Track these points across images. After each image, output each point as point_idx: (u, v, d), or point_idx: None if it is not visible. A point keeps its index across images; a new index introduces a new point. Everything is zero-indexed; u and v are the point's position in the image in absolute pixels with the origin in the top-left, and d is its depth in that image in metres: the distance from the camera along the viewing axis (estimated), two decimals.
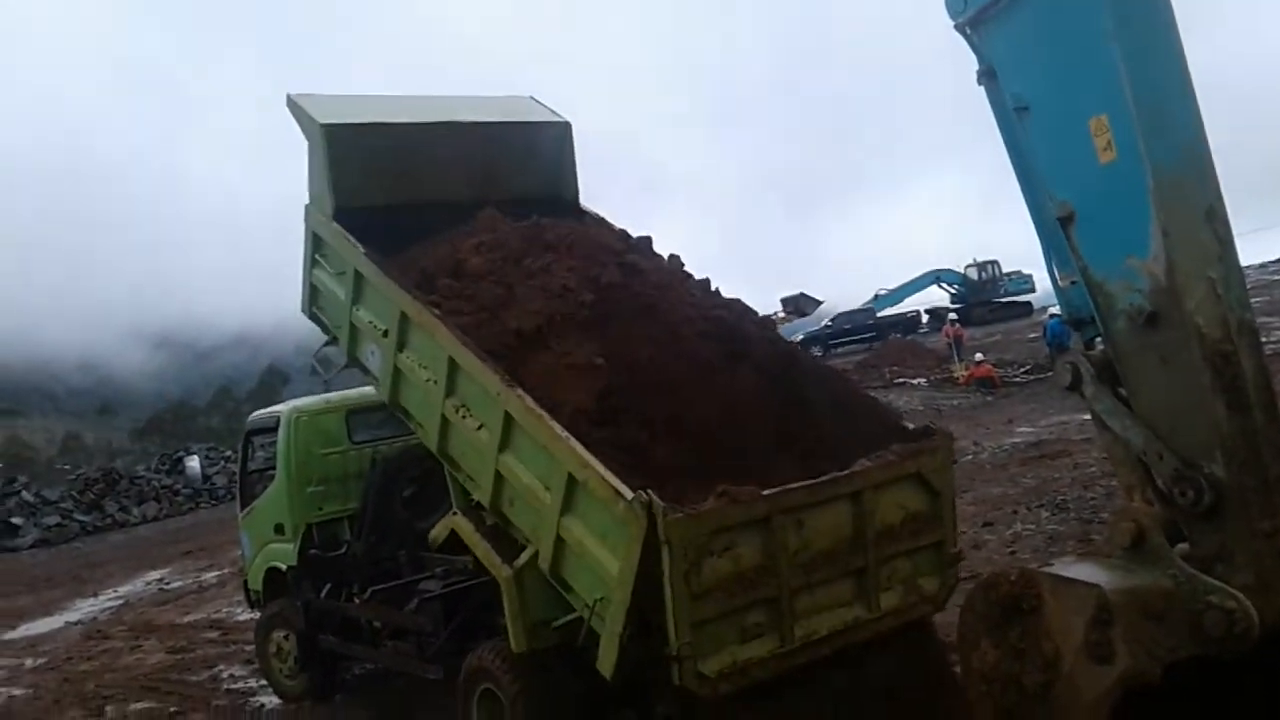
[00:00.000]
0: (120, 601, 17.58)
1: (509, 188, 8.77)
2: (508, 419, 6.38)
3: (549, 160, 9.13)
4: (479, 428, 6.72)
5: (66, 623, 16.24)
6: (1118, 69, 3.95)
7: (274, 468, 9.80)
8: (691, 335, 6.98)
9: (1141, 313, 3.98)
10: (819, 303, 43.62)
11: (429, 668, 7.82)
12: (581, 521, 6.01)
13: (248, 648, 11.25)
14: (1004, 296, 52.56)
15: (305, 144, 8.35)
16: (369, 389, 10.28)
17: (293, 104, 8.41)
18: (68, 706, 10.79)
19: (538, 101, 9.44)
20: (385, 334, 7.56)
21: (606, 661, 5.89)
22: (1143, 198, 3.95)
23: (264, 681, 10.13)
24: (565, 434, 5.98)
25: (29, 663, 13.48)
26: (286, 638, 9.56)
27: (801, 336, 41.52)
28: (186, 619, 14.91)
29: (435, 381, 7.05)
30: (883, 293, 51.66)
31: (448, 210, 8.21)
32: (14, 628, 16.47)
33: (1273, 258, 53.78)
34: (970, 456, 17.03)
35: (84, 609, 17.39)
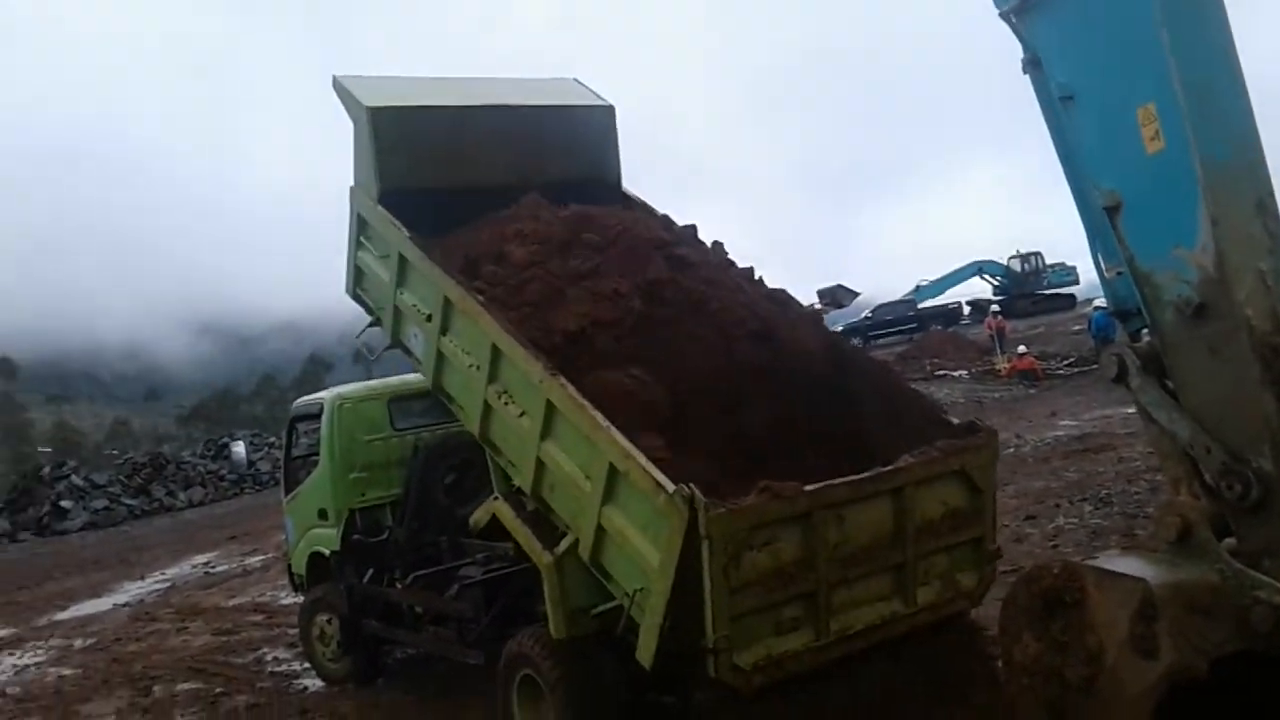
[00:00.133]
0: (167, 584, 17.88)
1: (552, 171, 8.76)
2: (549, 407, 6.41)
3: (592, 144, 9.11)
4: (521, 415, 6.76)
5: (114, 604, 16.55)
6: (1166, 57, 3.90)
7: (318, 454, 9.90)
8: (740, 335, 6.92)
9: (1189, 304, 3.94)
10: (856, 294, 43.26)
11: (470, 653, 7.90)
12: (622, 512, 6.03)
13: (291, 631, 11.43)
14: (1047, 288, 51.98)
15: (351, 128, 8.38)
16: (411, 376, 10.40)
17: (339, 86, 8.45)
18: (116, 686, 11.00)
19: (581, 84, 9.41)
20: (429, 318, 7.61)
21: (646, 651, 5.91)
22: (1191, 188, 3.90)
23: (307, 664, 10.28)
24: (607, 424, 5.99)
25: (78, 643, 13.76)
26: (330, 621, 9.70)
27: (840, 328, 41.27)
28: (231, 602, 15.15)
29: (478, 367, 7.10)
30: (924, 284, 51.23)
31: (491, 194, 8.22)
32: (64, 609, 16.81)
33: None
34: (1012, 449, 16.88)
35: (131, 591, 17.71)
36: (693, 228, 8.34)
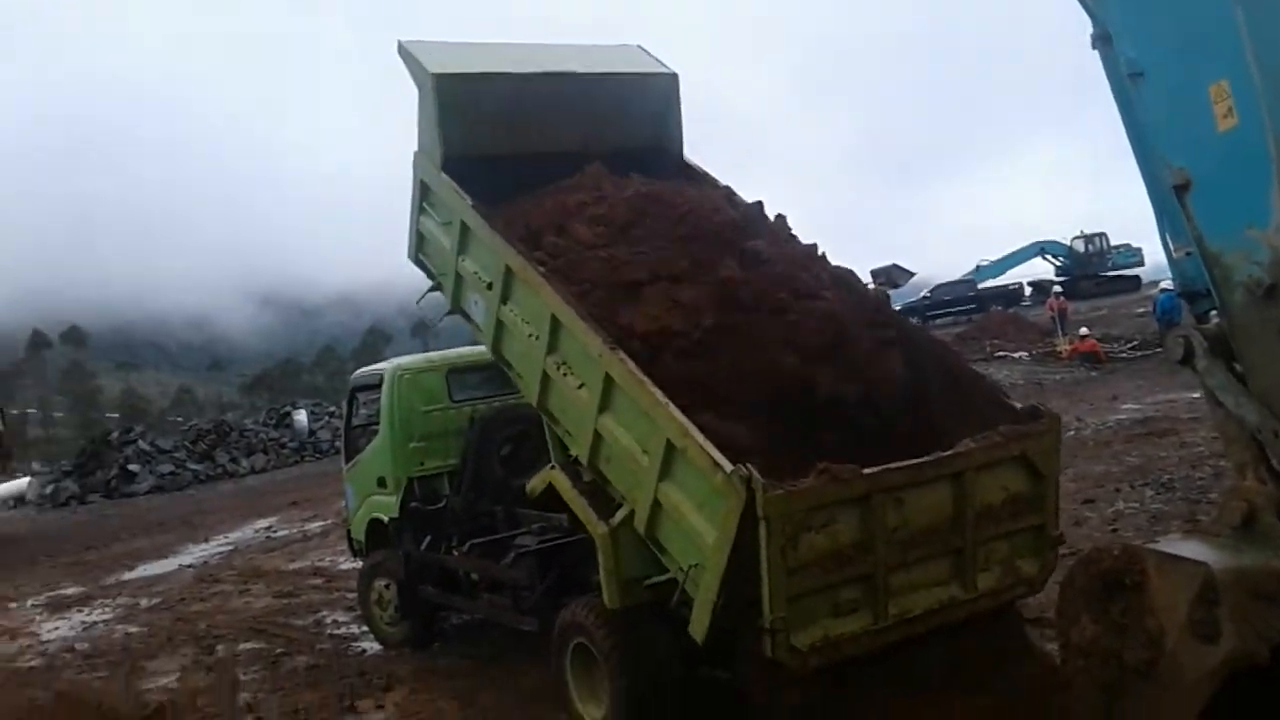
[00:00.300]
0: (230, 547, 18.29)
1: (614, 139, 8.74)
2: (608, 381, 6.44)
3: (655, 112, 9.07)
4: (579, 386, 6.81)
5: (179, 565, 16.96)
6: (1240, 32, 3.82)
7: (378, 423, 10.07)
8: (813, 349, 6.72)
9: (1260, 285, 3.86)
10: (911, 274, 42.62)
11: (524, 620, 8.03)
12: (679, 488, 6.05)
13: (350, 595, 11.64)
14: (1111, 270, 50.97)
15: (412, 96, 8.41)
16: (468, 349, 10.54)
17: (404, 51, 8.46)
18: (180, 644, 11.30)
19: (645, 52, 9.34)
20: (489, 286, 7.66)
21: (699, 626, 5.96)
22: (1264, 166, 3.82)
23: (365, 628, 10.49)
24: (665, 400, 6.01)
25: (144, 602, 14.14)
26: (388, 587, 9.88)
27: (898, 308, 40.74)
28: (292, 566, 15.47)
29: (537, 337, 7.15)
30: (984, 264, 50.47)
31: (553, 161, 8.24)
32: (131, 568, 17.27)
33: None
34: (1072, 433, 16.63)
35: (196, 553, 18.14)
36: (759, 204, 8.23)
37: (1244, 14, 3.80)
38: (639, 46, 9.42)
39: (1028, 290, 50.66)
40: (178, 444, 34.32)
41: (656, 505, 6.23)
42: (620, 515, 6.60)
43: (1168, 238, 4.64)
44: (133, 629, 12.47)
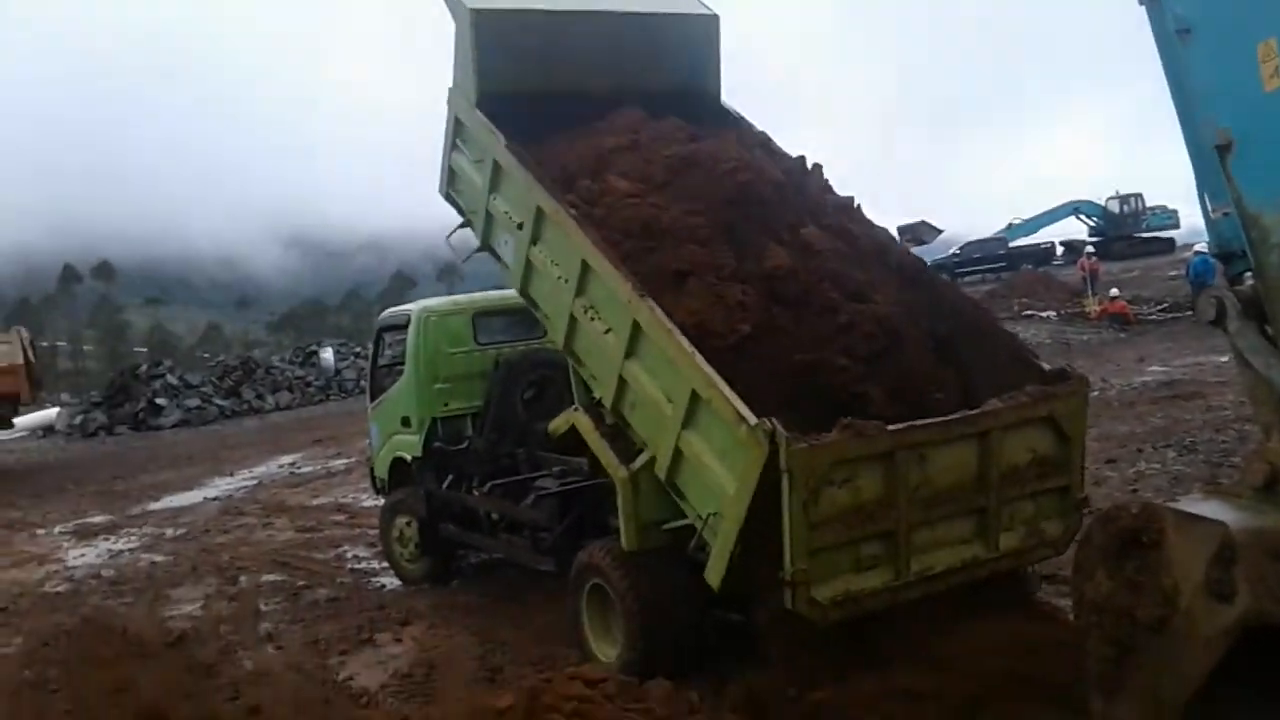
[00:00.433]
0: (254, 482, 18.56)
1: (652, 80, 8.61)
2: (636, 328, 6.44)
3: (694, 54, 8.91)
4: (606, 331, 6.80)
5: (204, 498, 17.23)
6: None
7: (403, 363, 10.12)
8: (861, 336, 6.59)
9: None
10: (939, 231, 42.15)
11: (542, 560, 8.12)
12: (702, 437, 6.07)
13: (371, 531, 11.81)
14: (1146, 231, 50.27)
15: (448, 36, 8.31)
16: (494, 293, 10.56)
17: None
18: (204, 574, 11.50)
19: None
20: (520, 226, 7.61)
21: (715, 573, 6.02)
22: None
23: (385, 564, 10.63)
24: (693, 350, 6.01)
25: (169, 532, 14.39)
26: (409, 524, 10.00)
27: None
28: (315, 502, 15.69)
29: (566, 280, 7.13)
30: (1017, 222, 49.92)
31: (589, 100, 8.16)
32: (157, 499, 17.57)
33: None
34: (1097, 393, 16.49)
35: (221, 486, 18.42)
36: (801, 160, 8.08)
37: None
38: None
39: (1059, 250, 50.10)
40: (205, 379, 34.75)
41: (678, 453, 6.26)
42: (641, 460, 6.65)
43: (1206, 198, 4.57)
44: (158, 558, 12.70)
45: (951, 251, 47.32)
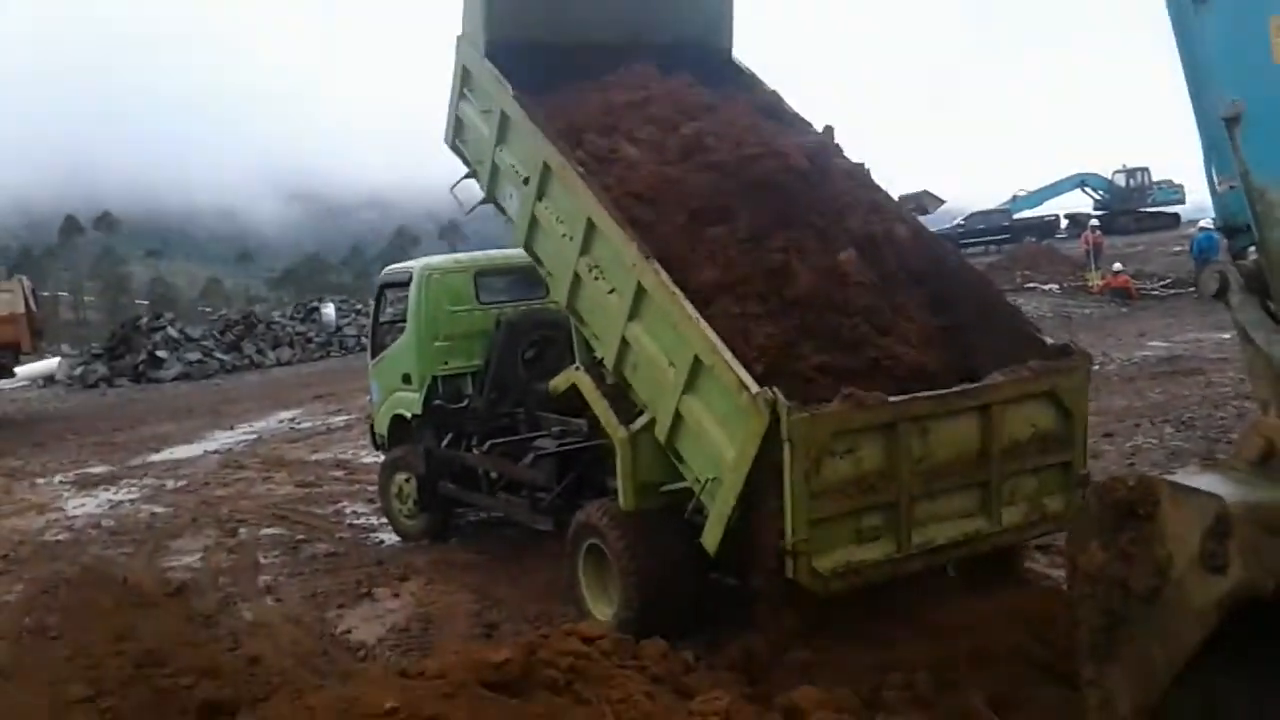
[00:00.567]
0: (254, 436, 18.61)
1: (664, 32, 8.53)
2: (640, 290, 6.43)
3: (707, 8, 8.84)
4: (610, 291, 6.79)
5: (205, 451, 17.28)
6: None
7: (405, 321, 10.13)
8: (880, 347, 6.57)
9: None
10: (941, 201, 41.82)
11: (540, 519, 8.17)
12: (703, 403, 6.09)
13: (370, 488, 11.87)
14: (1151, 206, 50.04)
15: None
16: (496, 252, 10.54)
17: None
18: (204, 526, 11.56)
19: None
20: (526, 181, 7.55)
21: (711, 538, 6.08)
22: None
23: (384, 520, 10.69)
24: (696, 315, 6.01)
25: (169, 484, 14.45)
26: (408, 481, 10.05)
27: None
28: (314, 457, 15.74)
29: (571, 238, 7.09)
30: (1021, 194, 49.64)
31: (600, 51, 8.08)
32: (157, 451, 17.61)
33: None
34: (1097, 367, 16.46)
35: (221, 440, 18.47)
36: (829, 130, 7.95)
37: None
38: None
39: (1064, 223, 49.88)
40: (206, 333, 34.74)
41: (678, 417, 6.27)
42: (641, 422, 6.67)
43: (1213, 171, 4.55)
44: (158, 509, 12.76)
45: (955, 222, 47.08)
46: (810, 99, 8.30)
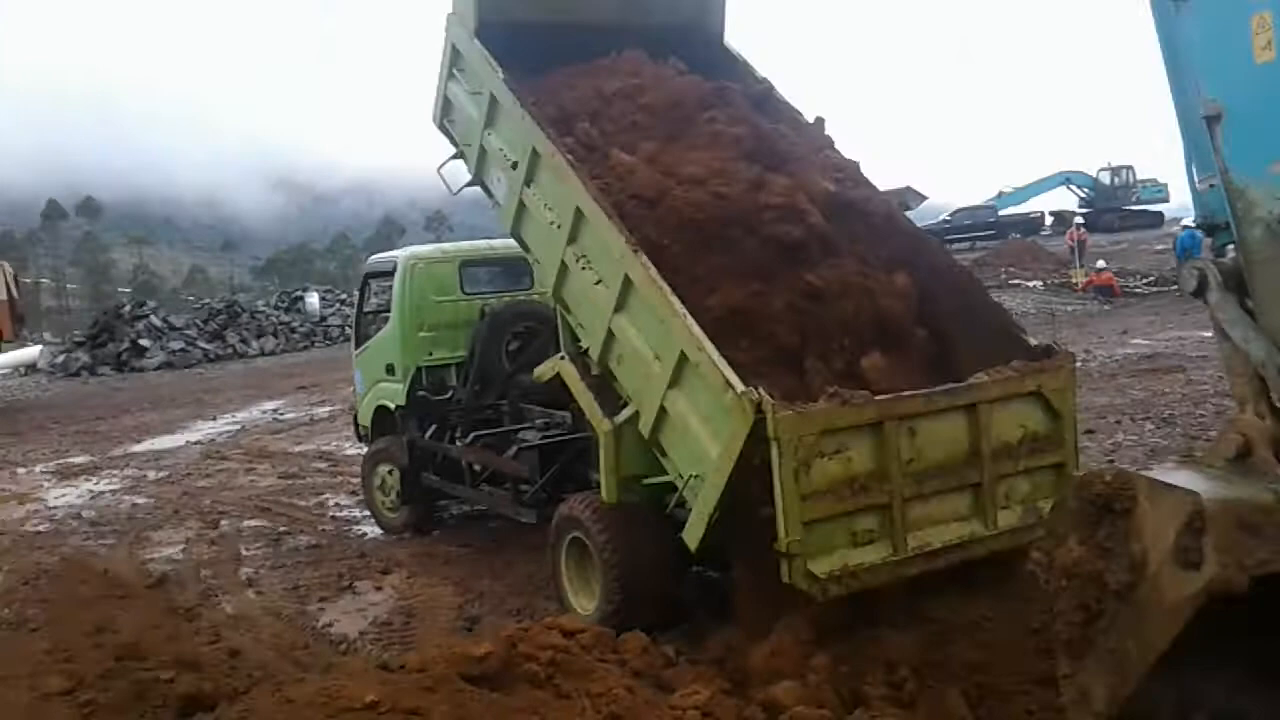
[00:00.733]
0: (237, 426, 18.53)
1: (655, 14, 8.44)
2: (627, 282, 6.38)
3: None
4: (597, 282, 6.74)
5: (187, 441, 17.20)
6: None
7: (389, 310, 10.10)
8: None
9: None
10: (924, 197, 41.95)
11: (523, 511, 8.17)
12: (687, 399, 6.06)
13: (353, 479, 11.83)
14: (1136, 204, 50.34)
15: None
16: (482, 243, 10.52)
17: None
18: (186, 517, 11.51)
19: None
20: (514, 165, 7.46)
21: (693, 535, 6.07)
22: None
23: (367, 512, 10.66)
24: (684, 311, 5.98)
25: (151, 474, 14.38)
26: (391, 473, 10.01)
27: None
28: (298, 448, 15.69)
29: (558, 226, 7.02)
30: (1007, 191, 49.90)
31: (591, 32, 8.00)
32: (139, 441, 17.52)
33: None
34: (1080, 364, 16.55)
35: (203, 430, 18.38)
36: (820, 122, 7.97)
37: None
38: None
39: (1049, 220, 50.13)
40: (189, 322, 34.56)
41: (663, 411, 6.25)
42: (625, 414, 6.66)
43: (1194, 169, 4.58)
44: (139, 500, 12.69)
45: (941, 219, 47.27)
46: (791, 94, 8.25)
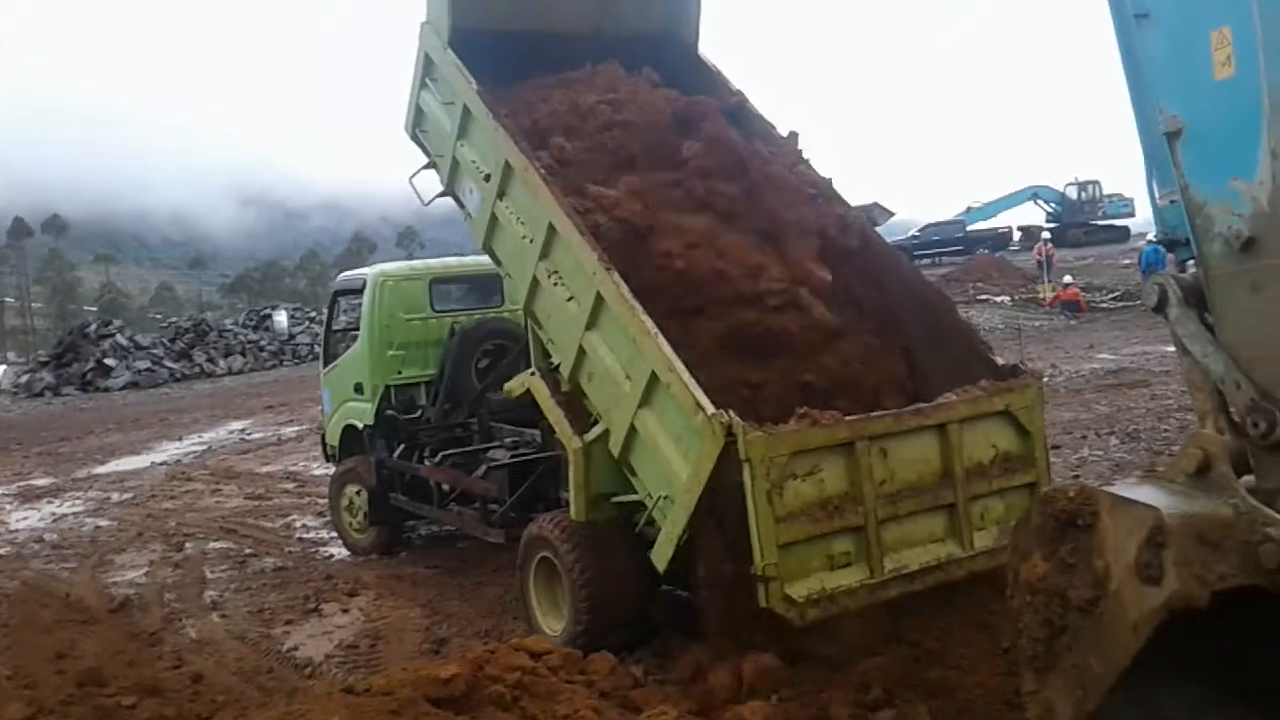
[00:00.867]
0: (204, 447, 18.36)
1: (629, 23, 8.42)
2: (599, 300, 6.35)
3: (676, 1, 8.70)
4: (569, 298, 6.70)
5: (152, 462, 17.03)
6: None
7: (358, 328, 10.04)
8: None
9: (1239, 237, 3.85)
10: (891, 213, 42.29)
11: (492, 532, 8.09)
12: (658, 419, 6.04)
13: (321, 500, 11.72)
14: (1102, 219, 50.95)
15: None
16: (452, 260, 10.48)
17: None
18: (150, 540, 11.36)
19: None
20: (487, 178, 7.40)
21: (661, 556, 6.05)
22: (1256, 119, 3.78)
23: (334, 533, 10.55)
24: (655, 331, 5.95)
25: (115, 496, 14.22)
26: (359, 493, 9.91)
27: None
28: (265, 469, 15.55)
29: (531, 240, 6.97)
30: (976, 206, 50.41)
31: (565, 41, 7.97)
32: (103, 463, 17.34)
33: None
34: (1046, 379, 16.74)
35: (169, 451, 18.21)
36: (794, 136, 7.94)
37: None
38: None
39: (1017, 235, 50.65)
40: (156, 341, 34.31)
41: (633, 430, 6.22)
42: (595, 432, 6.62)
43: (1154, 184, 4.63)
44: (102, 522, 12.54)
45: (910, 234, 47.67)
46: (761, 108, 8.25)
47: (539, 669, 5.36)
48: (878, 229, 8.09)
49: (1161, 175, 4.51)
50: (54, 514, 13.35)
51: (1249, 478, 3.80)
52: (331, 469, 10.86)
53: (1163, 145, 4.21)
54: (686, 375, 5.75)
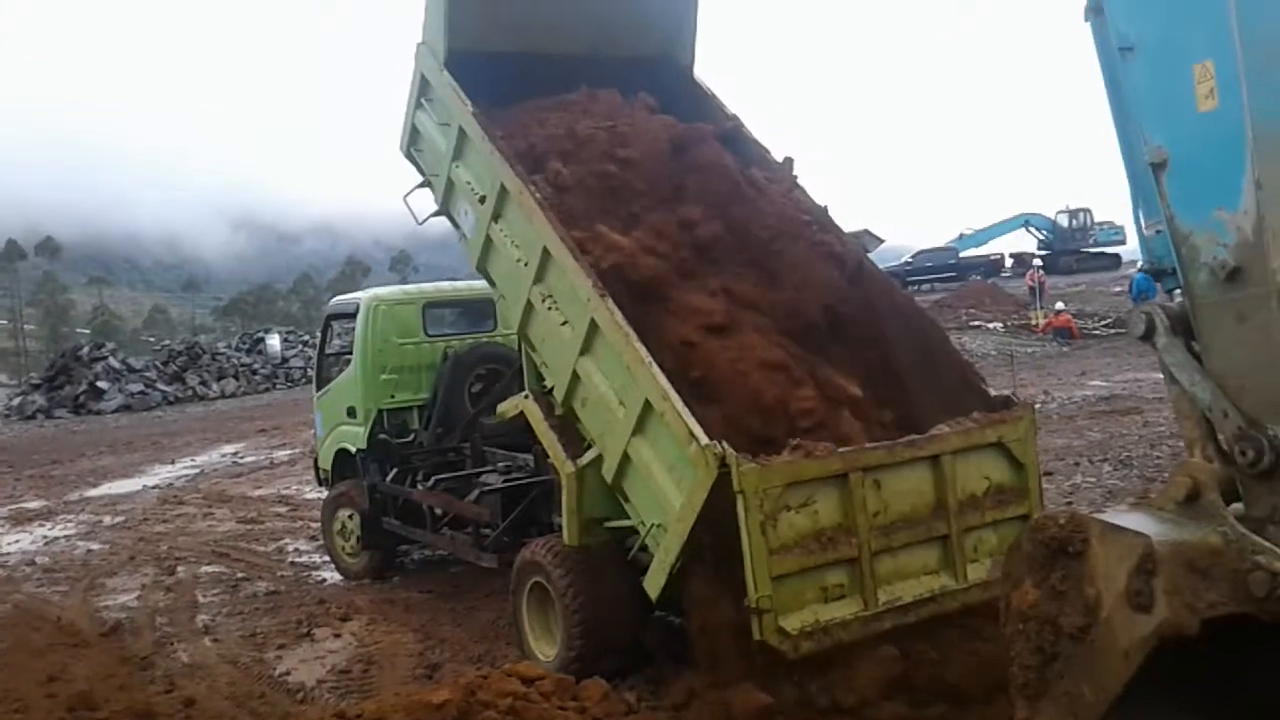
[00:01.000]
0: (196, 470, 18.30)
1: (625, 46, 8.42)
2: (593, 326, 6.36)
3: (671, 22, 8.71)
4: (563, 323, 6.71)
5: (144, 486, 16.97)
6: (1229, 12, 3.82)
7: (351, 353, 10.04)
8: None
9: (1224, 267, 3.90)
10: (881, 240, 42.48)
11: (484, 556, 8.07)
12: (651, 447, 6.04)
13: (313, 524, 11.70)
14: (1094, 246, 51.22)
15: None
16: (446, 284, 10.51)
17: None
18: (142, 564, 11.32)
19: None
20: (482, 200, 7.39)
21: (654, 584, 6.04)
22: (1239, 149, 3.84)
23: (327, 557, 10.53)
24: (650, 360, 5.95)
25: (107, 520, 14.16)
26: (351, 517, 9.89)
27: None
28: (257, 493, 15.51)
29: (525, 264, 6.97)
30: (968, 233, 50.63)
31: (561, 63, 7.99)
32: (95, 486, 17.27)
33: None
34: (1038, 406, 16.81)
35: (161, 474, 18.14)
36: (789, 161, 7.96)
37: None
38: None
39: (1009, 262, 50.91)
40: (149, 364, 34.26)
41: (626, 457, 6.22)
42: (588, 457, 6.61)
43: (1141, 214, 4.69)
44: (94, 546, 12.49)
45: (903, 260, 47.85)
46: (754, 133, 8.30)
47: (531, 695, 5.36)
48: (870, 254, 8.11)
49: (1148, 206, 4.57)
50: (46, 537, 13.29)
51: (1238, 505, 3.83)
52: (324, 493, 10.84)
53: (1148, 176, 4.27)
54: (680, 405, 5.75)
